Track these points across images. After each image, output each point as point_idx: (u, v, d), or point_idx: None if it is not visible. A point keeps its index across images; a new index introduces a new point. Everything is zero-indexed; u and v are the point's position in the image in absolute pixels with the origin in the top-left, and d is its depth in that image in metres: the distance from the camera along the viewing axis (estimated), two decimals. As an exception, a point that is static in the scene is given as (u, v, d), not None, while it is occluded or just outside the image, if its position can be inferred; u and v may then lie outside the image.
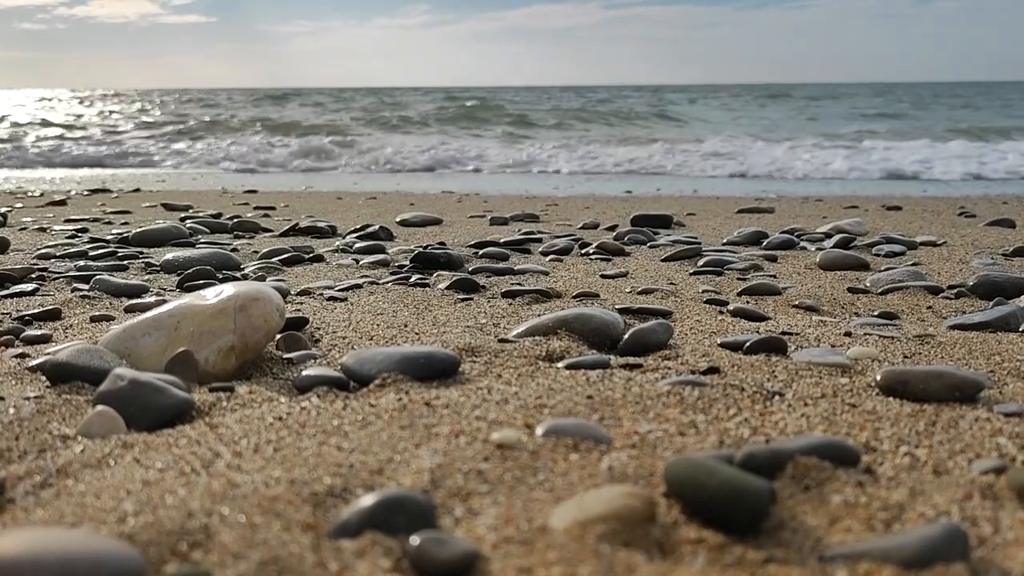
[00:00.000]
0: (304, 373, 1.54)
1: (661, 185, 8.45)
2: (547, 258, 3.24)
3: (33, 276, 2.72)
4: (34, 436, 1.27)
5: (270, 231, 4.21)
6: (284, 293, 2.40)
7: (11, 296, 2.42)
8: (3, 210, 5.01)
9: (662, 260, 3.19)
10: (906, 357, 1.73)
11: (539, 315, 2.09)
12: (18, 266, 2.82)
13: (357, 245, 3.51)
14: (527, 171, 11.03)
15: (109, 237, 3.79)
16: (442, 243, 3.64)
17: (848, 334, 1.93)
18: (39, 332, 1.93)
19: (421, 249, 3.11)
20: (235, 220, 4.41)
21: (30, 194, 6.94)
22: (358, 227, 4.15)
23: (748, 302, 2.34)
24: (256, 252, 3.39)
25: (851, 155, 11.23)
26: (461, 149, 13.03)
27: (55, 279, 2.69)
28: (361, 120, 19.48)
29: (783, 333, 1.92)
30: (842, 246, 3.49)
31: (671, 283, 2.66)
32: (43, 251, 3.29)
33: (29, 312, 2.15)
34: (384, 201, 6.35)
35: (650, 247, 3.58)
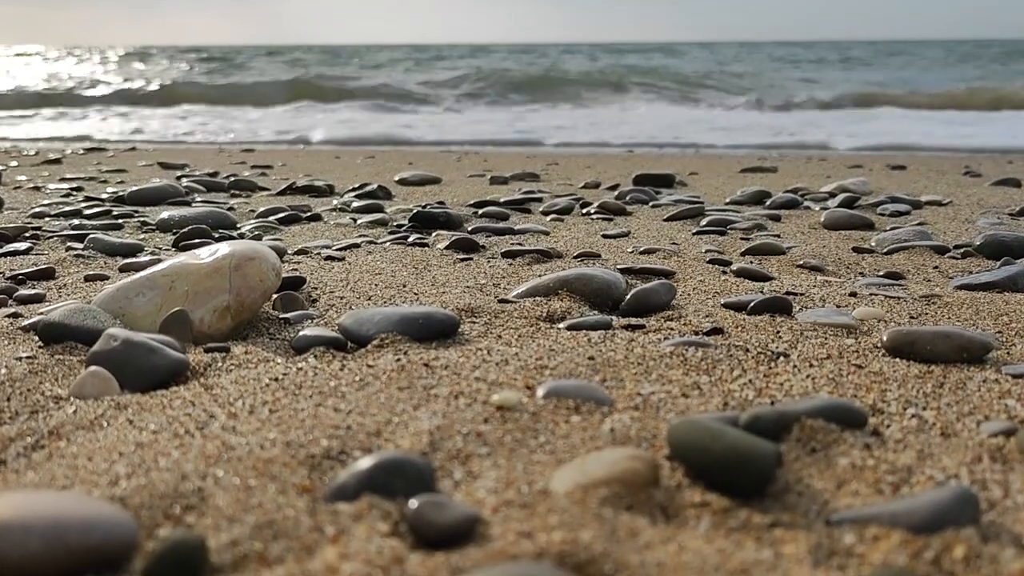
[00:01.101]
0: (301, 333, 1.52)
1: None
2: (548, 218, 3.20)
3: (27, 235, 2.69)
4: (26, 397, 1.25)
5: (267, 190, 4.16)
6: (281, 252, 2.37)
7: (5, 255, 2.39)
8: (-2, 169, 4.95)
9: (664, 220, 3.15)
10: (912, 318, 1.70)
11: (540, 275, 2.07)
12: (12, 225, 2.78)
13: (355, 204, 3.47)
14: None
15: (104, 196, 3.75)
16: (441, 202, 3.60)
17: (853, 294, 1.90)
18: (32, 291, 1.91)
19: (420, 208, 3.07)
20: (232, 179, 4.36)
21: (25, 152, 6.88)
22: (356, 186, 4.10)
23: (752, 262, 2.31)
24: (253, 211, 3.35)
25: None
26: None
27: (49, 238, 2.66)
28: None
29: (787, 293, 1.89)
30: (847, 205, 3.45)
31: (673, 243, 2.62)
32: (37, 210, 3.25)
33: (23, 271, 2.12)
34: (382, 160, 6.28)
35: (652, 207, 3.54)
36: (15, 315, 1.71)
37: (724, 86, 16.32)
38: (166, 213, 3.01)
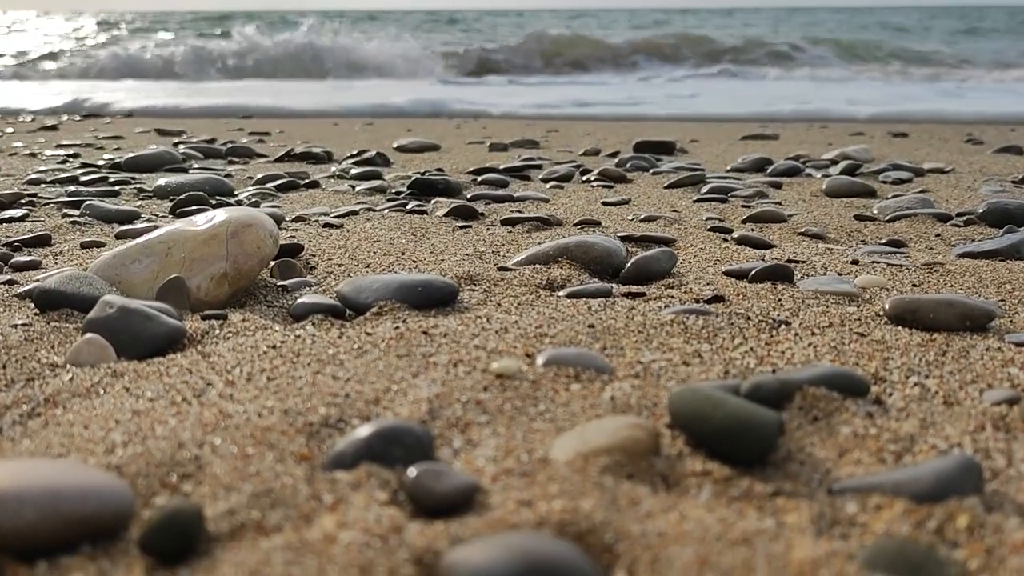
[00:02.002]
0: (299, 301, 1.51)
1: None
2: (548, 185, 3.18)
3: (23, 201, 2.66)
4: (22, 364, 1.24)
5: (265, 157, 4.13)
6: (278, 219, 2.35)
7: (0, 222, 2.37)
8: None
9: (665, 187, 3.12)
10: (914, 285, 1.69)
11: (539, 243, 2.05)
12: (8, 191, 2.76)
13: (353, 171, 3.44)
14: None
15: (101, 162, 3.72)
16: (440, 169, 3.57)
17: (855, 262, 1.89)
18: (28, 258, 1.89)
19: (419, 175, 3.05)
20: (229, 145, 4.33)
21: (21, 119, 6.82)
22: (354, 153, 4.07)
23: (753, 229, 2.29)
24: (251, 178, 3.32)
25: None
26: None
27: (45, 205, 2.64)
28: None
29: (789, 261, 1.88)
30: (848, 173, 3.42)
31: (674, 210, 2.60)
32: (33, 176, 3.22)
33: (18, 238, 2.11)
34: (381, 127, 6.23)
35: (653, 174, 3.51)
36: (11, 282, 1.69)
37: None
38: (163, 180, 2.99)
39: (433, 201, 2.72)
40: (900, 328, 1.38)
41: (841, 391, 1.07)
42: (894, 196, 2.81)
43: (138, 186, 3.02)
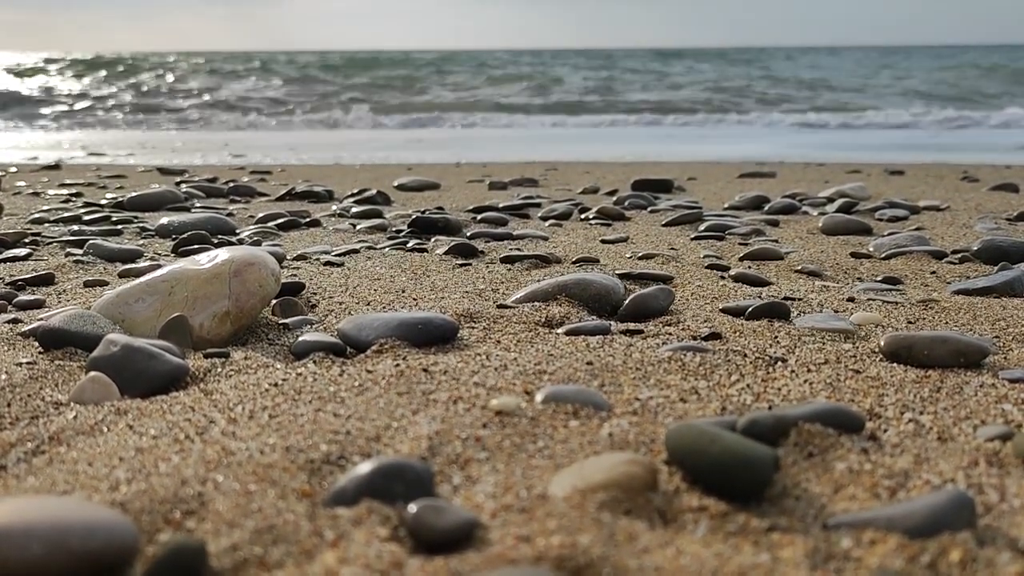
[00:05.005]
0: (300, 339, 1.52)
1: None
2: (547, 223, 3.21)
3: (26, 241, 2.69)
4: (26, 402, 1.25)
5: (266, 196, 4.17)
6: (280, 258, 2.37)
7: (4, 261, 2.39)
8: (-3, 174, 4.96)
9: (663, 225, 3.16)
10: (910, 322, 1.71)
11: (538, 280, 2.07)
12: (11, 230, 2.79)
13: (354, 210, 3.47)
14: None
15: (103, 202, 3.75)
16: (440, 208, 3.60)
17: (851, 299, 1.91)
18: (32, 297, 1.91)
19: (419, 214, 3.08)
20: (231, 184, 4.37)
21: (24, 159, 6.88)
22: (355, 192, 4.11)
23: (750, 267, 2.32)
24: (252, 217, 3.36)
25: None
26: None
27: (49, 244, 2.67)
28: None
29: (785, 298, 1.90)
30: (845, 210, 3.46)
31: (672, 248, 2.63)
32: (37, 216, 3.25)
33: (22, 277, 2.13)
34: (381, 166, 6.29)
35: (651, 212, 3.54)
36: (15, 321, 1.71)
37: None
38: (165, 219, 3.02)
39: (433, 239, 2.74)
40: (895, 365, 1.39)
41: (836, 427, 1.08)
42: (890, 233, 2.84)
43: (141, 225, 3.05)
